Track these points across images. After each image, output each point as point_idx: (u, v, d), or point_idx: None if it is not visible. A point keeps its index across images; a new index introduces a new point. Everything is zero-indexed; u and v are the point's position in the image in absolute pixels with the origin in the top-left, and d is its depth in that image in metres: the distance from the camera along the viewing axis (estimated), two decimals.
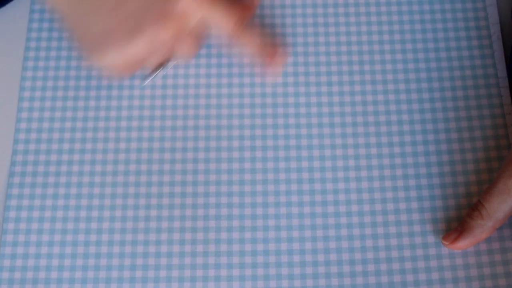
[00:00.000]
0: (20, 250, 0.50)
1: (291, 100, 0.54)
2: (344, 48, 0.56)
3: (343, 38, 0.56)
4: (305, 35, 0.56)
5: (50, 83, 0.55)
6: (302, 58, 0.56)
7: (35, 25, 0.57)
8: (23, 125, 0.54)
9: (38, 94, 0.55)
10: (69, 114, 0.54)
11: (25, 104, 0.54)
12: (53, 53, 0.56)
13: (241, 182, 0.52)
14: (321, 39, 0.56)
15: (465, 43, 0.56)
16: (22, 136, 0.53)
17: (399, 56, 0.55)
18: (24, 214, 0.51)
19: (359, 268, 0.49)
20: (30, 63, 0.56)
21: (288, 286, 0.49)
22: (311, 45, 0.56)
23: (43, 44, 0.56)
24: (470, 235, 0.48)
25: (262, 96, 0.54)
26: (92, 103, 0.54)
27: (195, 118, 0.54)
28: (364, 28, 0.56)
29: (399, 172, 0.52)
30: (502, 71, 0.55)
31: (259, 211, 0.51)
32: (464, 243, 0.48)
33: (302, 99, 0.54)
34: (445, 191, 0.51)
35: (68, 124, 0.54)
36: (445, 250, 0.50)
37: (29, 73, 0.55)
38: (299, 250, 0.50)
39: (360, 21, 0.57)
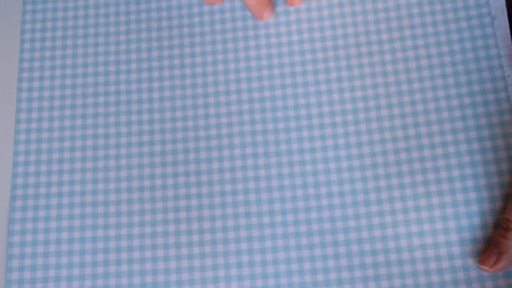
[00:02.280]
0: (28, 249, 0.50)
1: (290, 102, 0.53)
2: (341, 42, 0.55)
3: (339, 31, 0.55)
4: (300, 32, 0.56)
5: (47, 83, 0.55)
6: (299, 57, 0.55)
7: (27, 26, 0.57)
8: (22, 126, 0.54)
9: (35, 94, 0.55)
10: (67, 111, 0.54)
11: (23, 105, 0.54)
12: (48, 53, 0.56)
13: (245, 179, 0.51)
14: (316, 34, 0.55)
15: (465, 23, 0.54)
16: (22, 137, 0.53)
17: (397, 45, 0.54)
18: (30, 214, 0.51)
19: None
20: (26, 64, 0.55)
21: (299, 281, 0.49)
22: (307, 42, 0.55)
23: (37, 45, 0.56)
24: (509, 256, 0.47)
25: (260, 100, 0.53)
26: (90, 100, 0.54)
27: (194, 119, 0.53)
28: (360, 18, 0.55)
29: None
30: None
31: (265, 208, 0.51)
32: (504, 265, 0.48)
33: (302, 100, 0.53)
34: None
35: (67, 122, 0.54)
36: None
37: (25, 74, 0.55)
38: (307, 245, 0.50)
39: (355, 10, 0.56)
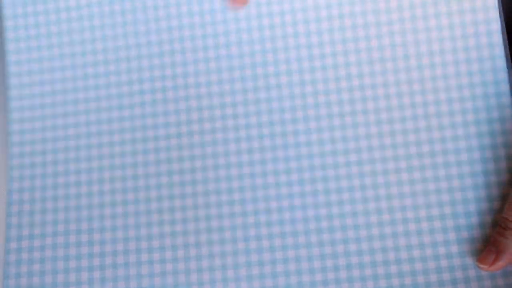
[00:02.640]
0: (24, 256, 0.50)
1: (286, 103, 0.52)
2: (337, 36, 0.53)
3: (336, 23, 0.53)
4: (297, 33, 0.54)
5: (36, 78, 0.54)
6: (295, 53, 0.53)
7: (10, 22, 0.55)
8: (16, 127, 0.53)
9: (26, 91, 0.54)
10: (59, 109, 0.53)
11: (16, 104, 0.54)
12: (33, 43, 0.55)
13: (240, 176, 0.51)
14: (314, 38, 0.54)
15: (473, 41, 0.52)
16: (17, 138, 0.53)
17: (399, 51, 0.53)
18: (25, 219, 0.51)
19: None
20: (14, 57, 0.55)
21: (297, 281, 0.49)
22: (302, 36, 0.53)
23: (22, 33, 0.55)
24: (508, 254, 0.47)
25: (257, 103, 0.53)
26: (80, 95, 0.54)
27: (187, 112, 0.53)
28: (357, 8, 0.53)
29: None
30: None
31: (261, 205, 0.50)
32: (503, 264, 0.47)
33: (297, 100, 0.53)
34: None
35: (60, 121, 0.53)
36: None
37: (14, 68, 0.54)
38: (305, 244, 0.49)
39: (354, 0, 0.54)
